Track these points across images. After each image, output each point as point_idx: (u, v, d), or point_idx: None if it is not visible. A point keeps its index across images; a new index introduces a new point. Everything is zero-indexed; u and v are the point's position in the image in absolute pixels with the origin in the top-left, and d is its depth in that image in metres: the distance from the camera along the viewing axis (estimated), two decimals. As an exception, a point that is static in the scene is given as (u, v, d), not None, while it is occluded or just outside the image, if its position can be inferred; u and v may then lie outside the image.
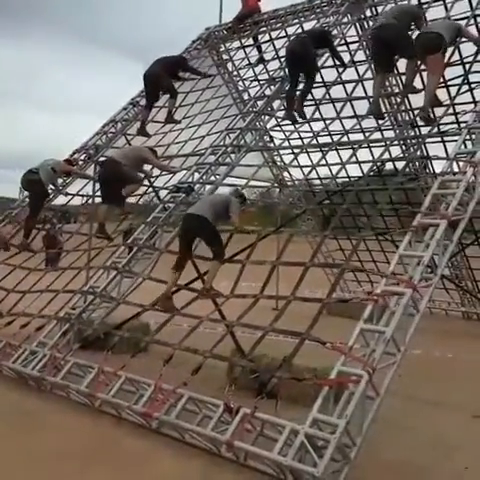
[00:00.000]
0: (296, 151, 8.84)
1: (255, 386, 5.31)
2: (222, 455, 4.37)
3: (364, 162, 9.14)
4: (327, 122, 8.56)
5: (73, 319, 6.47)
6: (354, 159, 8.35)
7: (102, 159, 8.71)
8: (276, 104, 8.75)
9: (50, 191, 8.89)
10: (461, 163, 5.72)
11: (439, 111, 7.48)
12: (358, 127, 8.17)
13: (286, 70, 8.72)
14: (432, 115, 7.39)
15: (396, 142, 9.50)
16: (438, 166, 7.02)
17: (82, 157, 9.78)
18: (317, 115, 8.92)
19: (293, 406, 4.89)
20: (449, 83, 8.03)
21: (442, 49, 6.73)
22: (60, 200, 9.43)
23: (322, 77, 9.16)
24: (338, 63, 8.71)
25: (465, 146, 6.04)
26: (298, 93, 8.29)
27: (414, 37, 7.16)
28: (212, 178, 7.96)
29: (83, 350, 6.19)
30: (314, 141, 8.46)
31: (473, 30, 7.80)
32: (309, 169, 8.52)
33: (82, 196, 9.46)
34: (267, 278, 5.99)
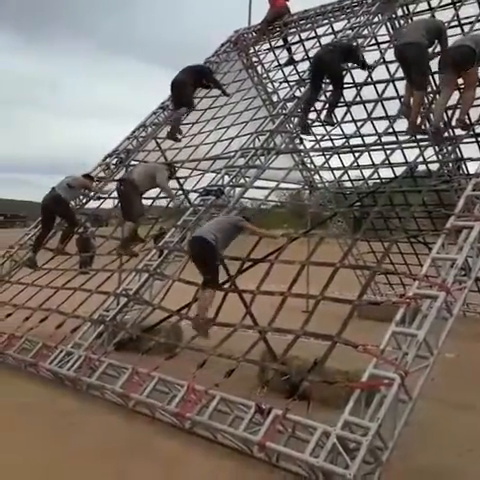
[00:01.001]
0: (327, 153, 8.82)
1: (286, 388, 5.36)
2: (254, 455, 4.41)
3: (397, 165, 9.05)
4: (358, 124, 8.52)
5: (107, 321, 6.60)
6: (386, 161, 8.28)
7: (121, 178, 8.64)
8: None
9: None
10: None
11: (474, 113, 7.39)
12: (391, 130, 8.11)
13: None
14: (467, 121, 7.25)
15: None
16: (472, 167, 6.90)
17: (113, 161, 9.97)
18: (348, 117, 8.89)
19: (324, 408, 4.90)
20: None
21: (476, 63, 6.64)
22: (93, 204, 9.64)
23: (353, 77, 9.11)
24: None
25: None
26: (327, 103, 8.33)
27: (440, 52, 7.09)
28: (242, 181, 8.01)
29: (117, 352, 6.33)
30: (345, 143, 8.43)
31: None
32: (340, 171, 8.49)
33: (114, 198, 9.62)
34: (295, 276, 5.98)
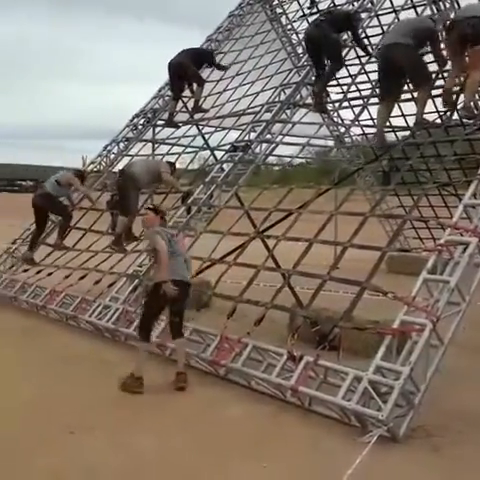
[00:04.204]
0: (355, 105, 8.64)
1: (316, 338, 5.46)
2: (287, 400, 4.56)
3: (428, 113, 8.79)
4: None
5: (141, 276, 6.77)
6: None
7: (120, 168, 8.45)
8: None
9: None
10: None
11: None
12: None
13: None
14: (475, 111, 6.55)
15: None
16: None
17: (141, 121, 9.98)
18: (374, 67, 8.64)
19: (354, 358, 4.99)
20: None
21: None
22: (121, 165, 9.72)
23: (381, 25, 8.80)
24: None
25: None
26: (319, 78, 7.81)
27: (448, 24, 6.36)
28: (268, 136, 7.95)
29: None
30: (372, 93, 8.22)
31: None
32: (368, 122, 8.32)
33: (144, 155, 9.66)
34: (322, 226, 5.97)
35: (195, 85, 9.29)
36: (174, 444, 3.89)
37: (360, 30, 8.19)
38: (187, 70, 9.10)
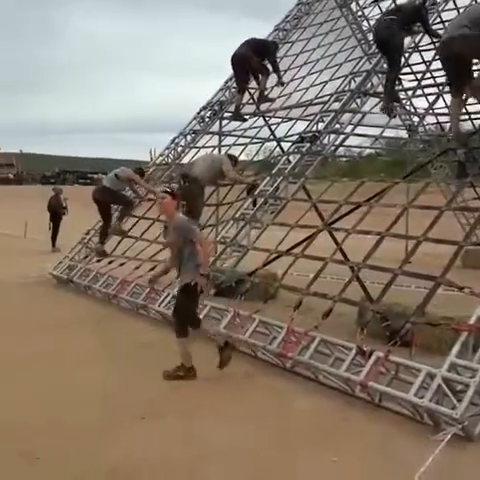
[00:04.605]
0: (429, 93, 8.30)
1: (386, 334, 5.31)
2: (356, 395, 4.47)
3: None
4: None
5: (208, 267, 6.84)
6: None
7: (183, 172, 8.32)
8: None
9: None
10: None
11: None
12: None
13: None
14: None
15: None
16: None
17: (208, 114, 10.07)
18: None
19: (427, 354, 4.80)
20: None
21: None
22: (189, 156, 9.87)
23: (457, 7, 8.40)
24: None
25: None
26: (385, 82, 7.54)
27: None
28: (337, 126, 7.79)
29: (217, 297, 6.58)
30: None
31: None
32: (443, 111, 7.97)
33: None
34: (396, 219, 5.81)
35: (260, 75, 9.20)
36: (244, 434, 3.91)
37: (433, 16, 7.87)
38: (250, 62, 9.02)
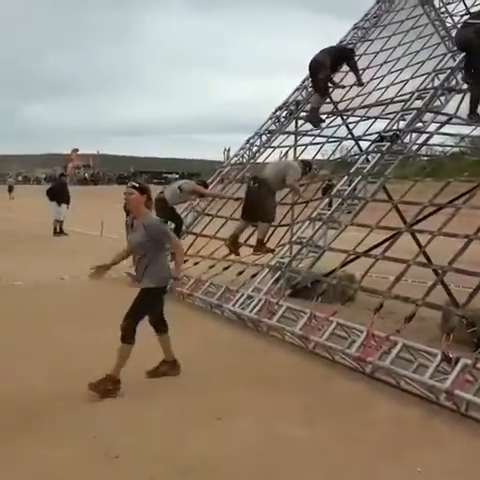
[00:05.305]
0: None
1: (473, 340, 5.07)
2: (440, 404, 4.30)
3: None
4: None
5: (284, 267, 6.83)
6: None
7: (253, 174, 8.35)
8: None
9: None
10: None
11: None
12: None
13: None
14: None
15: None
16: None
17: (283, 114, 10.05)
18: None
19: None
20: None
21: None
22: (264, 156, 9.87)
23: None
24: None
25: None
26: (470, 93, 7.17)
27: None
28: (419, 125, 7.54)
29: (292, 298, 6.54)
30: None
31: None
32: None
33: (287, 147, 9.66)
34: None
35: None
36: (323, 439, 3.86)
37: None
38: (322, 70, 8.90)
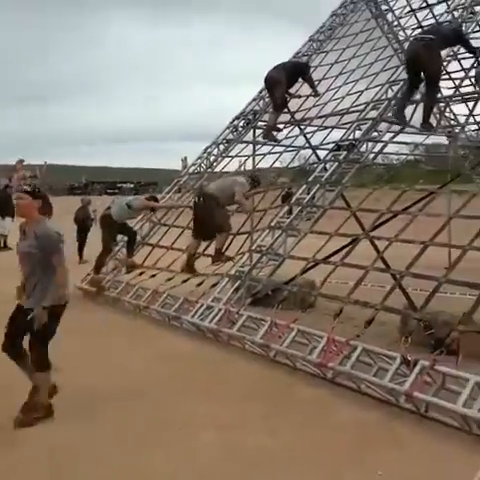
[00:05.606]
0: (468, 99, 8.12)
1: (430, 342, 5.11)
2: (400, 406, 4.31)
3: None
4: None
5: (243, 276, 6.78)
6: None
7: (199, 191, 8.20)
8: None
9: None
10: None
11: None
12: None
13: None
14: None
15: None
16: None
17: (241, 123, 10.07)
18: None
19: (475, 362, 4.59)
20: None
21: None
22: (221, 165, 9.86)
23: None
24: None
25: None
26: (423, 104, 7.38)
27: None
28: (375, 134, 7.68)
29: (253, 306, 6.48)
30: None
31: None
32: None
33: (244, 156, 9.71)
34: (440, 228, 5.66)
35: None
36: (286, 447, 3.79)
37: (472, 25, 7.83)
38: (277, 87, 9.00)
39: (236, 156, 9.73)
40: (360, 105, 8.42)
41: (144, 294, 7.62)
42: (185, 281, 7.52)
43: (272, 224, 7.36)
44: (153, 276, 8.07)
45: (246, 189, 7.58)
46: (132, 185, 49.25)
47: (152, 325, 7.12)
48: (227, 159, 9.81)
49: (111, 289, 8.41)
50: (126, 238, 8.84)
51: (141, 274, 8.26)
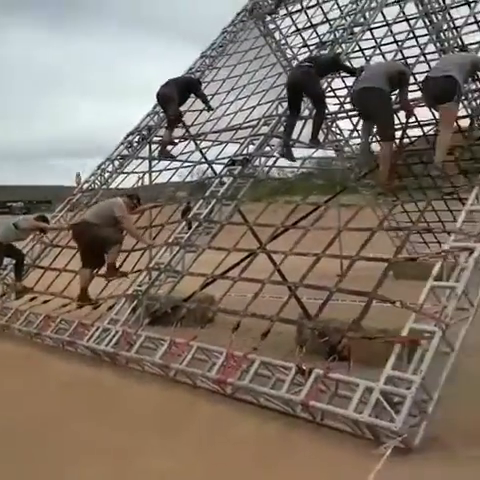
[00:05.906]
0: (352, 115, 8.60)
1: (325, 350, 5.31)
2: (298, 415, 4.41)
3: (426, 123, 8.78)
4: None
5: (141, 295, 6.64)
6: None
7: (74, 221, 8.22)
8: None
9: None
10: None
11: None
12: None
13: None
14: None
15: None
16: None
17: (136, 139, 9.95)
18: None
19: (365, 368, 4.81)
20: None
21: (455, 97, 5.87)
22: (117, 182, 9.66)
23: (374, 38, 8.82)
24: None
25: None
26: (312, 122, 7.75)
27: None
28: (267, 149, 7.91)
29: (152, 325, 6.35)
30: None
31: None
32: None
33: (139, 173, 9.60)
34: (331, 240, 5.91)
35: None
36: (187, 467, 3.74)
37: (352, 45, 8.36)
38: (171, 104, 9.05)
39: (132, 172, 9.57)
40: (253, 121, 8.64)
41: (36, 320, 7.21)
42: (81, 307, 7.25)
43: (170, 240, 7.31)
44: (45, 302, 7.64)
45: (123, 208, 7.40)
46: (22, 204, 46.45)
47: (44, 352, 6.76)
48: (123, 175, 9.62)
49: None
50: (14, 261, 8.37)
51: (32, 300, 7.83)
